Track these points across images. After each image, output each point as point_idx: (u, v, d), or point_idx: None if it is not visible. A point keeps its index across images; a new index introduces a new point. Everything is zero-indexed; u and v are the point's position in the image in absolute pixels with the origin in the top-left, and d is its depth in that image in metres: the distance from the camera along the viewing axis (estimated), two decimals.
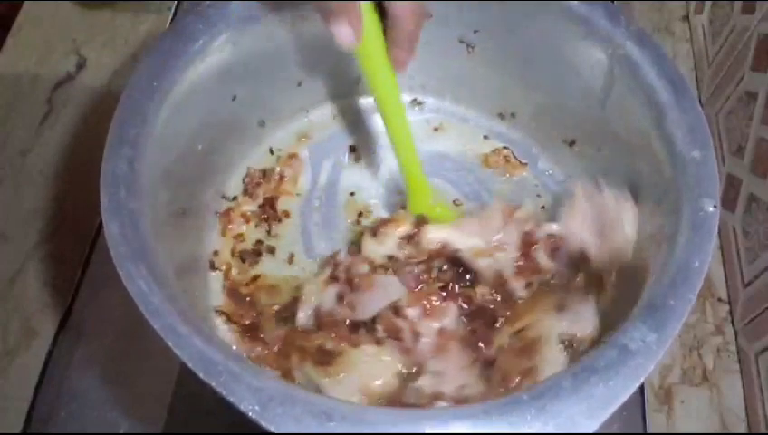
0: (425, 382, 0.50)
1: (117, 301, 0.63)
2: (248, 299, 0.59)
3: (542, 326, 0.52)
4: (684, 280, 0.42)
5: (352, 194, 0.65)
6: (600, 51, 0.55)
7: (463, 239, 0.56)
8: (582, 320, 0.52)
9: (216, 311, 0.58)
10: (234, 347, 0.55)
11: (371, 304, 0.54)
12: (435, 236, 0.56)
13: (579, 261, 0.55)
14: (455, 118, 0.69)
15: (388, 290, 0.54)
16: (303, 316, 0.55)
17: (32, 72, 0.80)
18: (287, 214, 0.64)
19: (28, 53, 0.81)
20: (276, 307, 0.58)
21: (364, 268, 0.55)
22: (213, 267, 0.61)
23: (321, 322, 0.54)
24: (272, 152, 0.67)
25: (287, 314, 0.57)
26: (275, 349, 0.55)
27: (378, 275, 0.55)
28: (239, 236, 0.63)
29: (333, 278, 0.55)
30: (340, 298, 0.54)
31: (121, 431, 0.59)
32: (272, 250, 0.62)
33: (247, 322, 0.57)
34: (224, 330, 0.57)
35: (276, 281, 0.60)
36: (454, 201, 0.65)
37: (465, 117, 0.69)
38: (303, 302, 0.55)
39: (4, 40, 0.82)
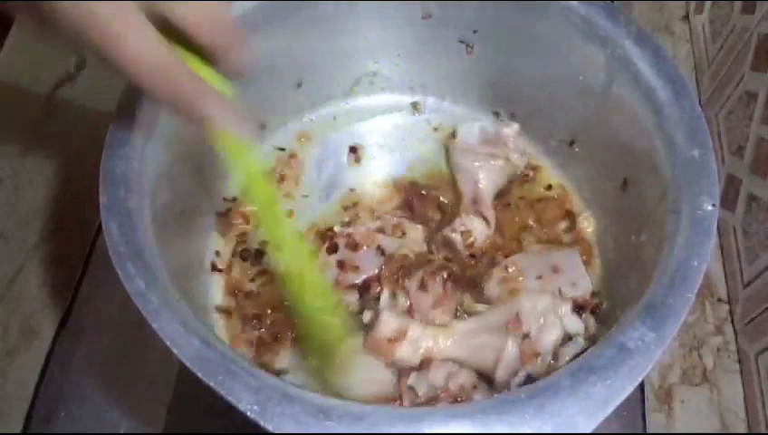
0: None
1: (117, 301, 0.63)
2: (251, 293, 0.60)
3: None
4: (683, 279, 0.42)
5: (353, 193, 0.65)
6: (599, 51, 0.55)
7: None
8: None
9: (217, 308, 0.58)
10: (235, 339, 0.56)
11: (374, 258, 0.57)
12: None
13: None
14: (454, 118, 0.69)
15: (389, 245, 0.58)
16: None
17: (32, 72, 0.80)
18: (288, 214, 0.64)
19: (28, 53, 0.81)
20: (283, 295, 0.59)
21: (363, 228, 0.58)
22: (214, 268, 0.61)
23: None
24: (282, 149, 0.67)
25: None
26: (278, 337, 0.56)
27: (378, 234, 0.58)
28: (240, 237, 0.63)
29: (332, 249, 0.57)
30: (341, 265, 0.56)
31: (121, 431, 0.59)
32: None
33: (250, 312, 0.58)
34: (225, 325, 0.58)
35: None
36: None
37: (464, 117, 0.69)
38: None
39: (4, 40, 0.82)
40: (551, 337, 0.50)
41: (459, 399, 0.49)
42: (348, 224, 0.61)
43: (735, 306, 0.66)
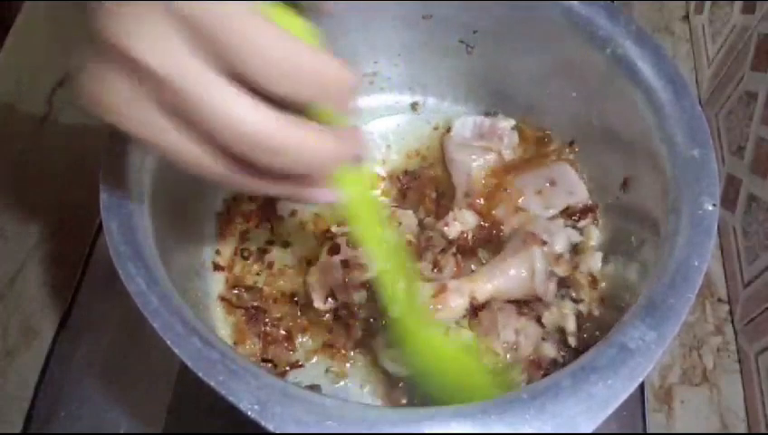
0: None
1: (117, 301, 0.63)
2: (253, 287, 0.60)
3: None
4: (683, 279, 0.42)
5: None
6: (599, 51, 0.55)
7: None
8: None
9: (220, 297, 0.59)
10: (241, 332, 0.57)
11: None
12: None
13: None
14: (454, 118, 0.69)
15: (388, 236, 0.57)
16: (319, 301, 0.56)
17: (32, 72, 0.80)
18: (289, 213, 0.64)
19: (28, 53, 0.81)
20: (288, 291, 0.60)
21: None
22: (215, 267, 0.61)
23: (341, 300, 0.56)
24: None
25: (303, 300, 0.58)
26: (284, 331, 0.57)
27: None
28: (242, 235, 0.63)
29: (335, 250, 0.57)
30: (346, 265, 0.56)
31: (121, 431, 0.59)
32: (287, 244, 0.63)
33: (252, 304, 0.58)
34: (228, 319, 0.58)
35: (293, 263, 0.61)
36: None
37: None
38: (313, 288, 0.56)
39: (4, 40, 0.82)
40: (563, 241, 0.57)
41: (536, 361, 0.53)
42: (344, 223, 0.61)
43: (735, 306, 0.66)
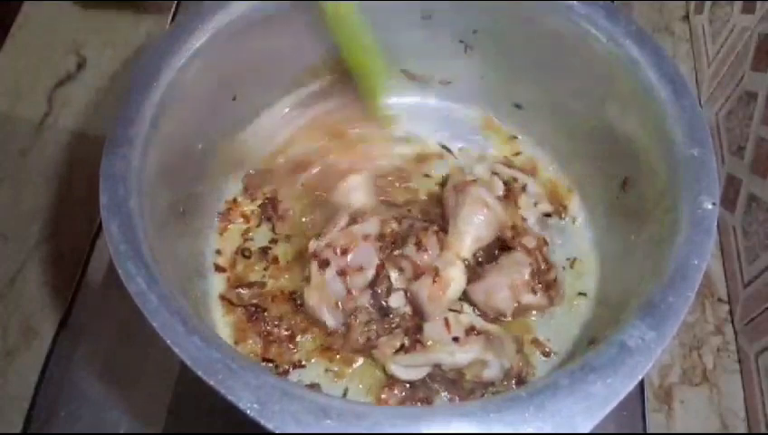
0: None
1: (117, 301, 0.63)
2: (254, 284, 0.60)
3: None
4: (683, 278, 0.42)
5: None
6: (599, 51, 0.55)
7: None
8: None
9: (221, 296, 0.59)
10: (242, 331, 0.57)
11: (369, 249, 0.57)
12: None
13: None
14: (455, 118, 0.69)
15: (370, 229, 0.58)
16: (331, 319, 0.56)
17: (32, 72, 0.80)
18: (290, 213, 0.64)
19: (28, 53, 0.82)
20: (289, 290, 0.59)
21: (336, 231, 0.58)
22: (216, 267, 0.61)
23: (350, 309, 0.56)
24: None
25: (302, 300, 0.58)
26: (284, 331, 0.57)
27: (355, 226, 0.58)
28: (244, 234, 0.63)
29: (325, 264, 0.56)
30: (343, 273, 0.55)
31: (121, 431, 0.59)
32: (289, 238, 0.63)
33: (252, 303, 0.58)
34: (228, 318, 0.58)
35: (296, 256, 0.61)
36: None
37: (464, 117, 0.69)
38: (317, 309, 0.56)
39: (4, 40, 0.82)
40: (496, 182, 0.62)
41: None
42: (318, 236, 0.59)
43: (735, 306, 0.66)
